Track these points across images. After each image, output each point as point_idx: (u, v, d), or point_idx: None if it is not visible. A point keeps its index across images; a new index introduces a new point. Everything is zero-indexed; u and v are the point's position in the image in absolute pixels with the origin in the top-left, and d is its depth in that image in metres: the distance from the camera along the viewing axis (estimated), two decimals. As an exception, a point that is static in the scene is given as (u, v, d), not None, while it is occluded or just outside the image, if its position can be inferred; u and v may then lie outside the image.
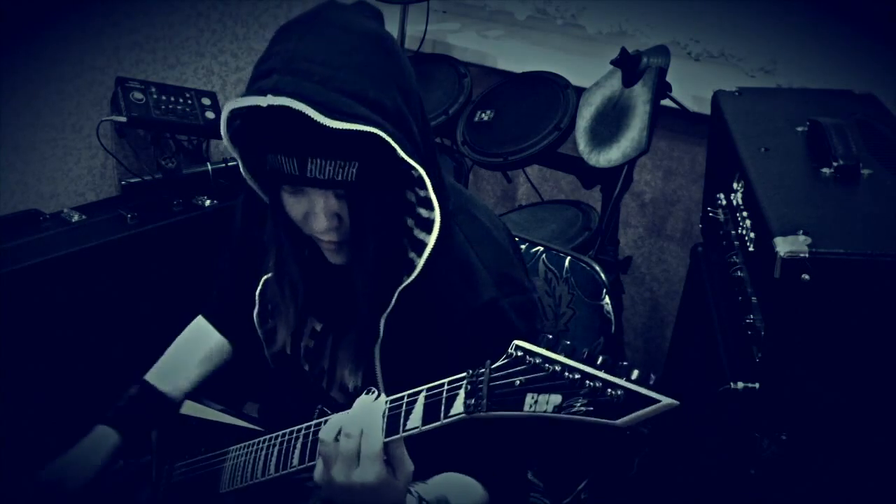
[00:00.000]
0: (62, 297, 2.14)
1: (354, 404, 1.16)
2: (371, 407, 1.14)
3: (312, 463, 1.25)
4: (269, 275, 1.45)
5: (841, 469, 1.40)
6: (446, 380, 1.09)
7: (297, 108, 1.14)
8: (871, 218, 1.40)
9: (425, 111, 1.30)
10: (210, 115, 2.44)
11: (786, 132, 1.67)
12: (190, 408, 1.59)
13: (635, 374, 0.95)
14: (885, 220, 1.39)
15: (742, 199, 1.58)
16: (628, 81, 2.17)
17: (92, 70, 2.39)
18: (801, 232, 1.30)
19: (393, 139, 1.17)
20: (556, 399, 0.96)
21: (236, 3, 2.65)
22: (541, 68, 2.53)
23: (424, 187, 1.25)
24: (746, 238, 1.52)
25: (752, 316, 1.45)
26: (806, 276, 1.28)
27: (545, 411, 0.97)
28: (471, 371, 1.06)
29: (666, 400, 0.92)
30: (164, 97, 2.39)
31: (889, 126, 1.70)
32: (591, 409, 0.94)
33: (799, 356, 1.34)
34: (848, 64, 2.25)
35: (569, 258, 1.72)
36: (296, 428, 1.32)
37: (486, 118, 2.47)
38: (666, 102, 2.17)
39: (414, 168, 1.22)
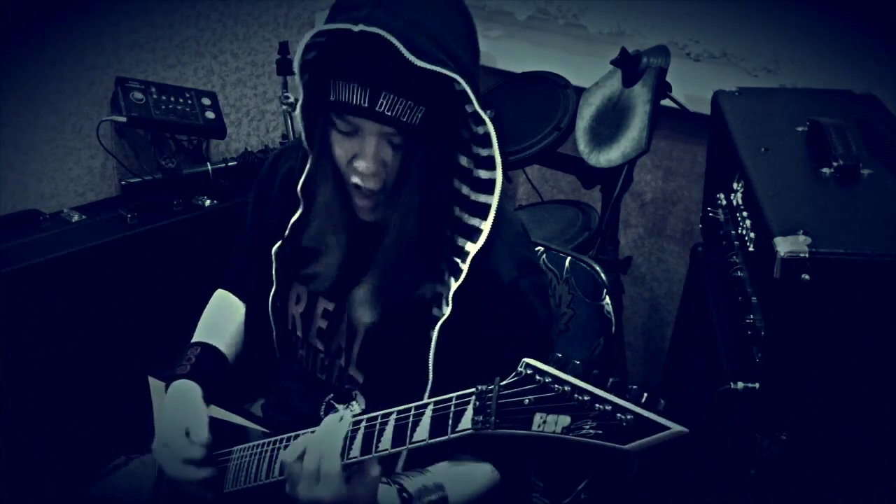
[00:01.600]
0: (62, 297, 2.14)
1: (321, 425, 1.21)
2: (334, 428, 1.19)
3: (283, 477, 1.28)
4: (278, 245, 1.46)
5: (841, 469, 1.40)
6: (455, 394, 1.09)
7: (388, 38, 1.17)
8: (871, 218, 1.40)
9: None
10: (210, 114, 2.44)
11: (786, 132, 1.67)
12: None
13: (645, 397, 0.95)
14: (885, 220, 1.39)
15: (742, 199, 1.58)
16: (628, 81, 2.17)
17: (92, 70, 2.39)
18: (801, 232, 1.30)
19: (471, 88, 1.21)
20: (565, 420, 0.96)
21: (236, 3, 2.65)
22: (541, 68, 2.53)
23: (487, 144, 1.27)
24: (746, 238, 1.52)
25: (752, 316, 1.45)
26: (806, 276, 1.28)
27: (553, 432, 0.97)
28: (479, 387, 1.06)
29: (676, 427, 0.92)
30: (164, 97, 2.39)
31: (889, 126, 1.70)
32: (600, 432, 0.94)
33: (799, 356, 1.34)
34: (848, 64, 2.24)
35: (569, 258, 1.72)
36: (300, 432, 1.32)
37: (486, 118, 2.47)
38: (666, 102, 2.17)
39: (478, 125, 1.25)
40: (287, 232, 1.45)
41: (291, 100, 2.57)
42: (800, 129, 1.66)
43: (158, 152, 2.42)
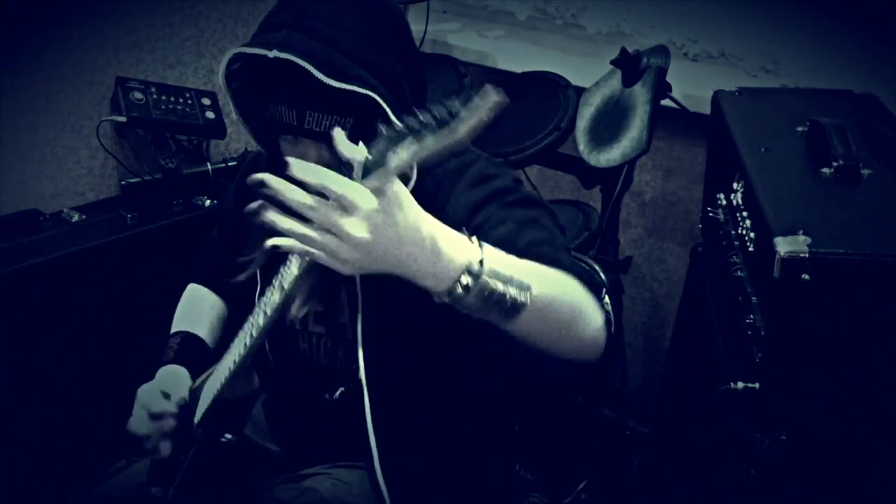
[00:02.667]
0: (62, 297, 2.14)
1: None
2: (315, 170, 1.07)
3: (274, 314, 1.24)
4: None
5: (841, 469, 1.40)
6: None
7: (301, 64, 1.22)
8: (871, 218, 1.40)
9: (425, 80, 1.37)
10: (210, 115, 2.44)
11: (786, 132, 1.67)
12: None
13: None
14: (885, 220, 1.39)
15: (742, 199, 1.58)
16: (628, 81, 2.17)
17: (92, 70, 2.39)
18: (801, 232, 1.30)
19: (386, 102, 1.24)
20: (413, 145, 0.95)
21: (236, 3, 2.65)
22: (541, 68, 2.53)
23: None
24: (746, 238, 1.52)
25: (752, 316, 1.45)
26: (806, 276, 1.28)
27: (406, 159, 0.96)
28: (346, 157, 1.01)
29: (498, 96, 0.91)
30: (164, 97, 2.39)
31: (889, 126, 1.70)
32: (434, 130, 0.93)
33: (799, 356, 1.34)
34: (848, 64, 2.24)
35: (569, 258, 1.71)
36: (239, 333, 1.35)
37: (486, 118, 2.47)
38: (666, 102, 2.17)
39: None
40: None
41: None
42: (800, 129, 1.66)
43: (158, 152, 2.42)
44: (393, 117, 1.24)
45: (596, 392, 1.83)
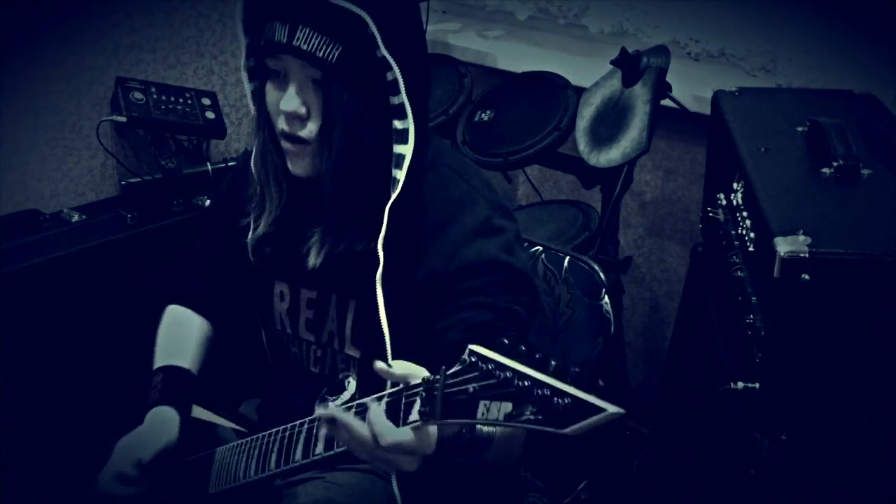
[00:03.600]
0: (62, 297, 2.14)
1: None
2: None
3: (287, 466, 1.27)
4: (254, 235, 1.47)
5: (841, 469, 1.40)
6: (404, 386, 1.09)
7: None
8: (871, 218, 1.40)
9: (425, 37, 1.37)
10: (210, 115, 2.44)
11: (786, 132, 1.67)
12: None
13: (583, 379, 0.93)
14: (885, 220, 1.39)
15: (742, 199, 1.58)
16: (628, 81, 2.17)
17: (92, 70, 2.39)
18: (801, 232, 1.30)
19: (378, 29, 1.23)
20: (507, 407, 0.95)
21: (236, 3, 2.65)
22: (541, 68, 2.53)
23: (398, 92, 1.28)
24: (746, 238, 1.52)
25: (752, 316, 1.45)
26: (806, 276, 1.28)
27: (496, 419, 0.95)
28: (426, 378, 1.05)
29: (612, 409, 0.90)
30: (164, 97, 2.39)
31: (889, 126, 1.70)
32: (540, 417, 0.93)
33: (799, 356, 1.34)
34: (848, 64, 2.24)
35: (567, 258, 1.72)
36: (274, 430, 1.33)
37: (486, 118, 2.47)
38: (666, 102, 2.17)
39: (389, 71, 1.26)
40: (254, 222, 1.47)
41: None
42: (800, 129, 1.66)
43: (158, 152, 2.42)
44: (383, 49, 1.24)
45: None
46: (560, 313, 1.71)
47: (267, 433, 1.35)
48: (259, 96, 1.39)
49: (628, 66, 2.16)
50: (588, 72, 2.43)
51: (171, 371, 1.55)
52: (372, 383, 1.37)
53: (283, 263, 1.48)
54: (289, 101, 1.30)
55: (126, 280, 2.25)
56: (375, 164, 1.33)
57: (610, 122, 2.18)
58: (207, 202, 2.40)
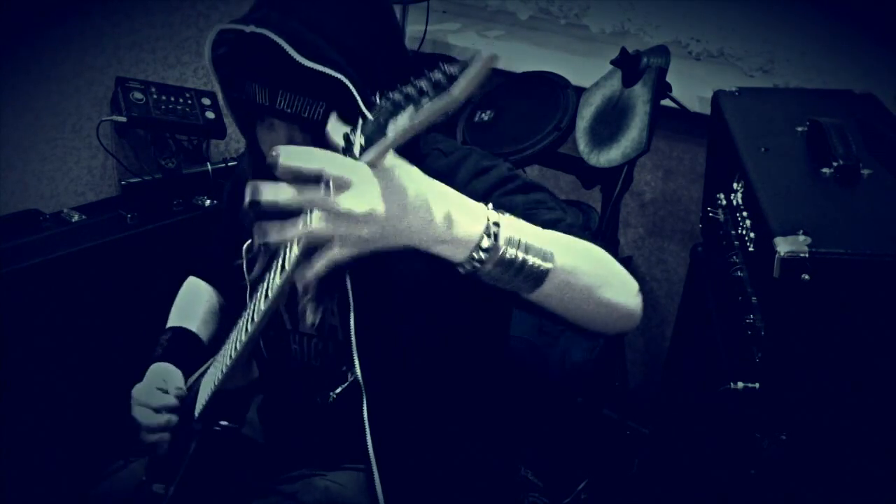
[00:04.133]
0: (62, 297, 2.14)
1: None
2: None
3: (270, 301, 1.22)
4: (247, 244, 1.49)
5: (841, 469, 1.40)
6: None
7: (275, 40, 1.21)
8: (871, 218, 1.40)
9: (409, 64, 1.32)
10: (210, 114, 2.44)
11: (786, 132, 1.67)
12: None
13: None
14: (885, 220, 1.39)
15: (742, 199, 1.58)
16: (628, 81, 2.17)
17: (92, 70, 2.39)
18: (801, 232, 1.30)
19: (356, 88, 1.22)
20: (410, 109, 0.92)
21: (236, 3, 2.65)
22: (541, 68, 2.53)
23: None
24: (746, 238, 1.52)
25: (752, 316, 1.45)
26: (806, 276, 1.28)
27: (405, 127, 0.92)
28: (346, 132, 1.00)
29: (486, 53, 0.89)
30: (164, 97, 2.39)
31: (889, 126, 1.70)
32: (430, 95, 0.91)
33: (799, 356, 1.34)
34: (848, 64, 2.24)
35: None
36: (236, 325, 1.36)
37: (486, 118, 2.47)
38: (666, 102, 2.17)
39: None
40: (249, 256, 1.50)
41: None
42: (800, 129, 1.66)
43: (158, 152, 2.42)
44: (362, 105, 1.22)
45: (596, 392, 1.83)
46: (560, 313, 1.71)
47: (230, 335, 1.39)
48: (250, 136, 1.40)
49: (628, 66, 2.16)
50: (588, 72, 2.43)
51: (179, 332, 1.64)
52: (377, 372, 1.37)
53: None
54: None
55: (126, 280, 2.25)
56: None
57: (610, 122, 2.18)
58: (207, 202, 2.40)
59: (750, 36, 2.46)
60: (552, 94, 2.40)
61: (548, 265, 1.06)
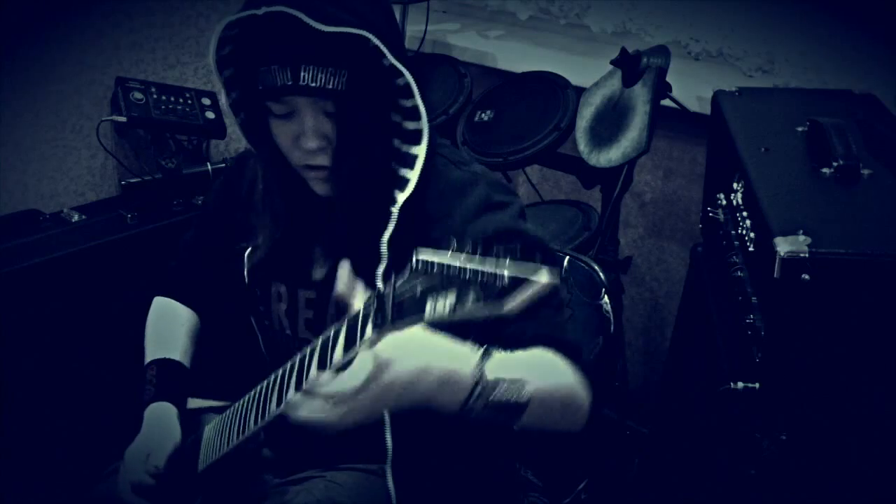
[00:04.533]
0: (62, 297, 2.14)
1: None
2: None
3: (264, 421, 1.25)
4: (249, 249, 1.48)
5: (841, 469, 1.40)
6: (362, 308, 1.08)
7: (291, 13, 1.19)
8: (871, 218, 1.40)
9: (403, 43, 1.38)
10: (210, 114, 2.44)
11: (786, 132, 1.67)
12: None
13: (518, 255, 0.95)
14: (885, 220, 1.39)
15: (742, 199, 1.58)
16: (628, 81, 2.17)
17: (92, 70, 2.39)
18: (801, 232, 1.30)
19: (382, 41, 1.22)
20: (452, 298, 0.95)
21: (236, 3, 2.64)
22: (541, 68, 2.53)
23: (410, 96, 1.29)
24: (746, 238, 1.52)
25: (752, 316, 1.45)
26: (806, 276, 1.28)
27: (443, 314, 0.96)
28: (377, 289, 1.05)
29: (544, 278, 0.92)
30: (164, 97, 2.39)
31: (889, 126, 1.70)
32: (479, 301, 0.94)
33: (799, 356, 1.34)
34: (848, 64, 2.24)
35: (567, 258, 1.72)
36: (247, 396, 1.33)
37: (486, 118, 2.47)
38: (666, 102, 2.17)
39: (400, 77, 1.26)
40: (260, 238, 1.47)
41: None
42: (800, 129, 1.66)
43: (158, 152, 2.42)
44: (392, 59, 1.23)
45: (596, 392, 1.83)
46: (560, 313, 1.71)
47: (242, 399, 1.35)
48: (256, 131, 1.36)
49: (628, 66, 2.16)
50: (588, 72, 2.43)
51: (164, 364, 1.56)
52: None
53: (280, 268, 1.48)
54: (309, 139, 1.29)
55: (126, 280, 2.25)
56: (385, 167, 1.34)
57: (610, 122, 2.18)
58: (207, 202, 2.41)
59: (750, 36, 2.46)
60: (552, 94, 2.40)
61: (525, 399, 1.17)
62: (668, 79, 2.14)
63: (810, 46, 2.33)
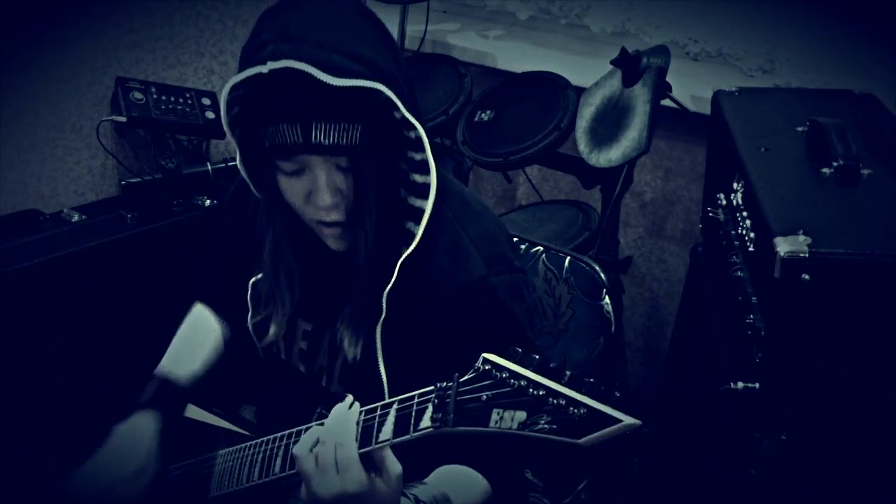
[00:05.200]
0: (62, 297, 2.14)
1: (330, 414, 1.16)
2: (345, 416, 1.14)
3: (293, 471, 1.24)
4: (258, 276, 1.44)
5: (841, 469, 1.40)
6: (417, 392, 1.08)
7: (298, 67, 1.14)
8: (871, 218, 1.40)
9: (412, 83, 1.31)
10: (210, 114, 2.44)
11: (786, 132, 1.67)
12: (189, 410, 1.58)
13: (599, 390, 0.93)
14: (885, 220, 1.39)
15: (742, 199, 1.58)
16: (628, 81, 2.17)
17: (92, 70, 2.39)
18: (801, 232, 1.30)
19: (395, 93, 1.18)
20: (521, 416, 0.95)
21: (236, 3, 2.65)
22: (541, 68, 2.53)
23: (420, 149, 1.25)
24: (746, 238, 1.52)
25: (752, 316, 1.45)
26: (806, 276, 1.28)
27: (510, 428, 0.96)
28: (438, 385, 1.04)
29: (628, 420, 0.90)
30: (164, 97, 2.39)
31: (889, 126, 1.70)
32: (555, 426, 0.93)
33: (799, 356, 1.34)
34: (848, 64, 2.25)
35: (568, 258, 1.72)
36: (279, 434, 1.31)
37: (486, 118, 2.47)
38: (666, 102, 2.17)
39: (409, 130, 1.23)
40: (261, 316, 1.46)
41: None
42: (800, 129, 1.66)
43: (158, 152, 2.42)
44: (405, 111, 1.19)
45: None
46: (561, 313, 1.71)
47: (272, 437, 1.33)
48: (269, 190, 1.32)
49: (628, 66, 2.16)
50: (588, 72, 2.43)
51: (165, 387, 1.53)
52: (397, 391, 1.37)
53: None
54: (323, 195, 1.24)
55: (126, 280, 2.25)
56: (396, 221, 1.30)
57: (610, 122, 2.18)
58: (207, 202, 2.40)
59: (750, 36, 2.46)
60: (552, 94, 2.40)
61: None
62: (668, 79, 2.14)
63: (811, 46, 2.33)
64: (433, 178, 1.26)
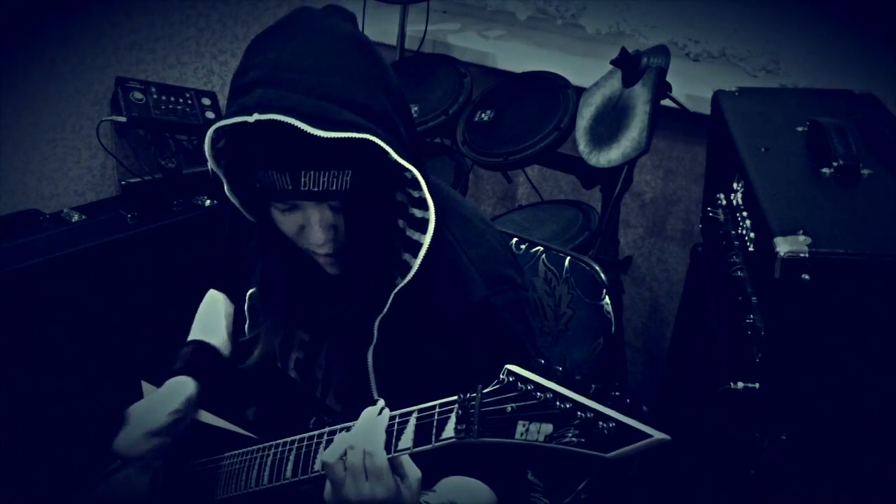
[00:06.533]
0: (62, 297, 2.14)
1: (359, 419, 1.15)
2: (374, 421, 1.13)
3: (305, 476, 1.25)
4: (253, 290, 1.45)
5: (841, 469, 1.40)
6: (438, 402, 1.08)
7: (286, 122, 1.13)
8: (871, 218, 1.40)
9: (411, 111, 1.30)
10: (210, 114, 2.44)
11: (786, 132, 1.67)
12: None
13: (627, 403, 0.93)
14: (885, 220, 1.39)
15: (742, 199, 1.58)
16: (628, 81, 2.17)
17: (92, 70, 2.39)
18: (801, 232, 1.30)
19: (384, 143, 1.16)
20: (548, 429, 0.94)
21: (236, 3, 2.65)
22: (541, 68, 2.53)
23: (416, 187, 1.24)
24: (746, 238, 1.52)
25: (752, 316, 1.45)
26: (806, 276, 1.28)
27: (536, 440, 0.95)
28: (461, 395, 1.04)
29: (658, 435, 0.90)
30: (164, 97, 2.39)
31: (889, 126, 1.70)
32: (583, 440, 0.92)
33: (799, 356, 1.34)
34: (848, 64, 2.25)
35: (569, 258, 1.72)
36: (290, 439, 1.31)
37: (486, 118, 2.47)
38: (666, 102, 2.17)
39: (407, 170, 1.21)
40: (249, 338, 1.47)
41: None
42: (800, 129, 1.66)
43: (158, 152, 2.42)
44: (396, 157, 1.17)
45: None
46: (561, 314, 1.71)
47: (282, 441, 1.33)
48: (263, 217, 1.30)
49: (628, 66, 2.16)
50: (588, 72, 2.43)
51: (201, 346, 1.55)
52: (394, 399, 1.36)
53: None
54: (315, 233, 1.25)
55: (126, 280, 2.25)
56: (390, 252, 1.30)
57: (610, 122, 2.18)
58: (207, 202, 2.40)
59: (752, 36, 2.46)
60: (552, 94, 2.40)
61: None
62: (669, 79, 2.14)
63: (815, 47, 2.33)
64: (431, 215, 1.25)
